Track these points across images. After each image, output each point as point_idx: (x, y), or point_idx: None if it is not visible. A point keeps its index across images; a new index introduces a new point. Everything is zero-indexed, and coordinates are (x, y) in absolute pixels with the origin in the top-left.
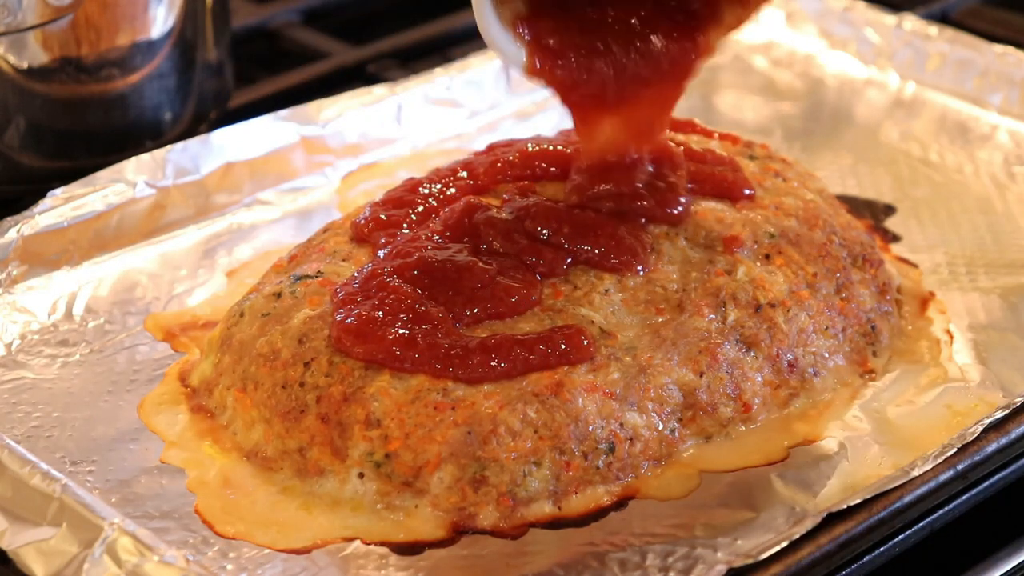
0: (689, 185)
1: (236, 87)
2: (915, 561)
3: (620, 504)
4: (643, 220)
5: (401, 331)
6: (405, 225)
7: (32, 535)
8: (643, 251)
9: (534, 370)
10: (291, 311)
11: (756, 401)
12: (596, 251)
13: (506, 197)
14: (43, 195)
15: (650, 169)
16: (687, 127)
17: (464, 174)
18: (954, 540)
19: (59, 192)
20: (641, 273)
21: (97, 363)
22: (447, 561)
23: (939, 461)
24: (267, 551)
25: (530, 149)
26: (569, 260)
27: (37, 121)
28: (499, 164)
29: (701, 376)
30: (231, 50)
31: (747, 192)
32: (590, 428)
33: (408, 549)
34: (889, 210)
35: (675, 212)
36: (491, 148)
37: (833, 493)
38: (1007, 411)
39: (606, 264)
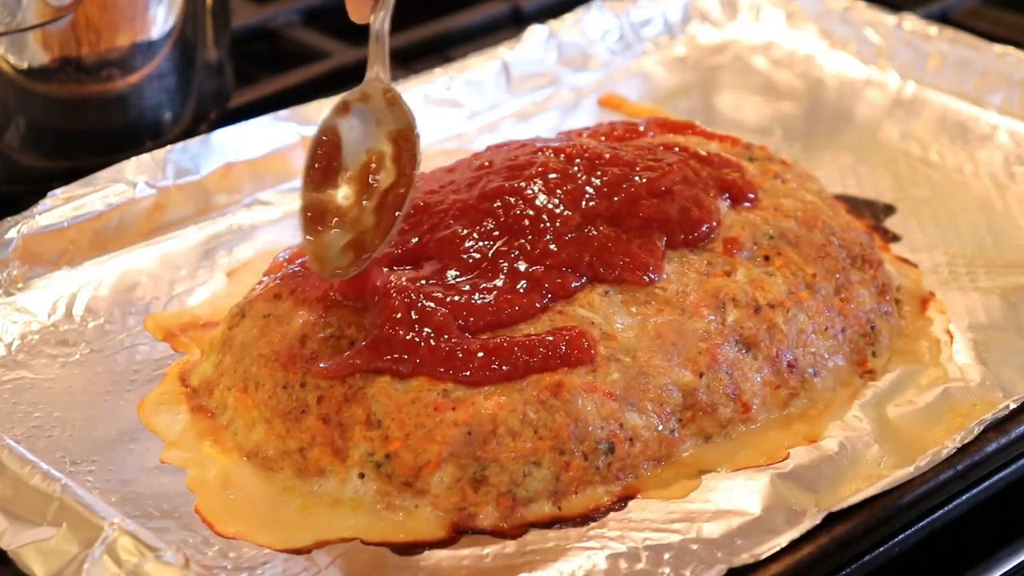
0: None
1: (236, 87)
2: (915, 561)
3: (620, 504)
4: (664, 237)
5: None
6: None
7: (32, 535)
8: (657, 263)
9: (535, 372)
10: (292, 312)
11: (756, 401)
12: (611, 273)
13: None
14: (43, 195)
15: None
16: (687, 129)
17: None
18: (954, 540)
19: (59, 192)
20: (657, 279)
21: (97, 363)
22: (447, 561)
23: (939, 461)
24: (267, 551)
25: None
26: (584, 280)
27: (37, 121)
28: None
29: (701, 377)
30: (231, 50)
31: (751, 196)
32: (590, 428)
33: (408, 549)
34: (889, 210)
35: (693, 236)
36: (490, 149)
37: (833, 493)
38: (1007, 411)
39: (619, 280)
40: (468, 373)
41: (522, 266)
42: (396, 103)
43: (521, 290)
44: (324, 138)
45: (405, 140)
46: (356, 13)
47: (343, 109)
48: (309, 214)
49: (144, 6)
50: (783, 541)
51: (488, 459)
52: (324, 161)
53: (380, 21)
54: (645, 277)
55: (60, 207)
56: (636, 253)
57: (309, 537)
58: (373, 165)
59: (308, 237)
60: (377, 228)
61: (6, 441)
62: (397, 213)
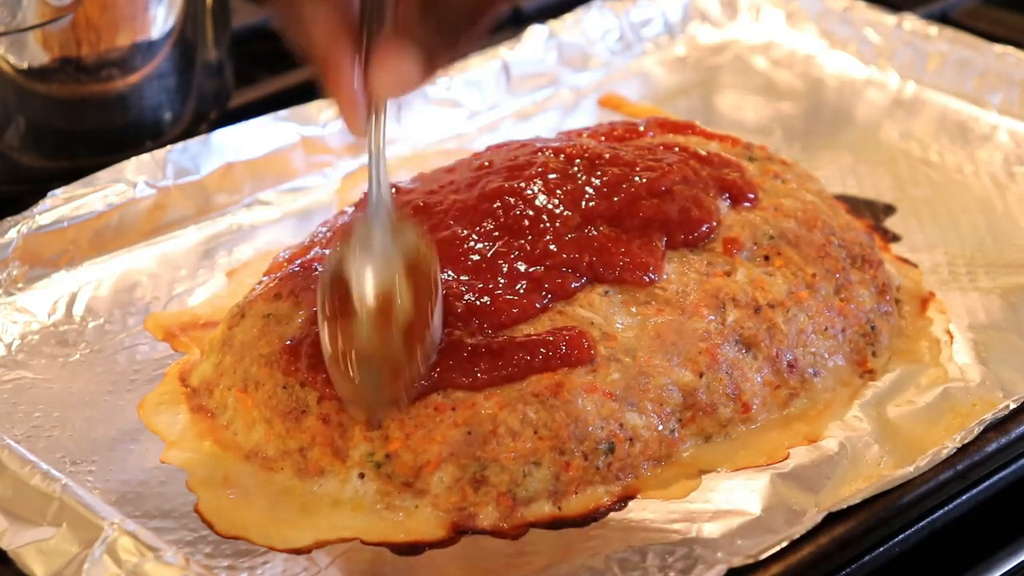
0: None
1: (236, 87)
2: (915, 561)
3: (620, 504)
4: (664, 238)
5: None
6: None
7: (32, 535)
8: (656, 263)
9: (535, 372)
10: (292, 312)
11: (756, 401)
12: (611, 273)
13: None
14: (43, 195)
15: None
16: (687, 129)
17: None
18: (954, 540)
19: (59, 192)
20: (657, 280)
21: (97, 363)
22: (447, 561)
23: (939, 461)
24: (267, 551)
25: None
26: (584, 280)
27: (37, 121)
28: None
29: (701, 377)
30: (231, 50)
31: (751, 196)
32: (590, 428)
33: (408, 549)
34: (889, 210)
35: (693, 236)
36: (490, 149)
37: (833, 493)
38: (1007, 411)
39: (619, 280)
40: (469, 376)
41: (522, 267)
42: (401, 225)
43: (521, 291)
44: (335, 279)
45: (417, 262)
46: (353, 126)
47: (346, 238)
48: (340, 363)
49: (144, 6)
50: (783, 541)
51: (488, 459)
52: (338, 303)
53: (377, 137)
54: (645, 277)
55: (60, 207)
56: (636, 253)
57: (309, 537)
58: (389, 291)
59: (346, 389)
60: (407, 351)
61: (6, 441)
62: (427, 328)
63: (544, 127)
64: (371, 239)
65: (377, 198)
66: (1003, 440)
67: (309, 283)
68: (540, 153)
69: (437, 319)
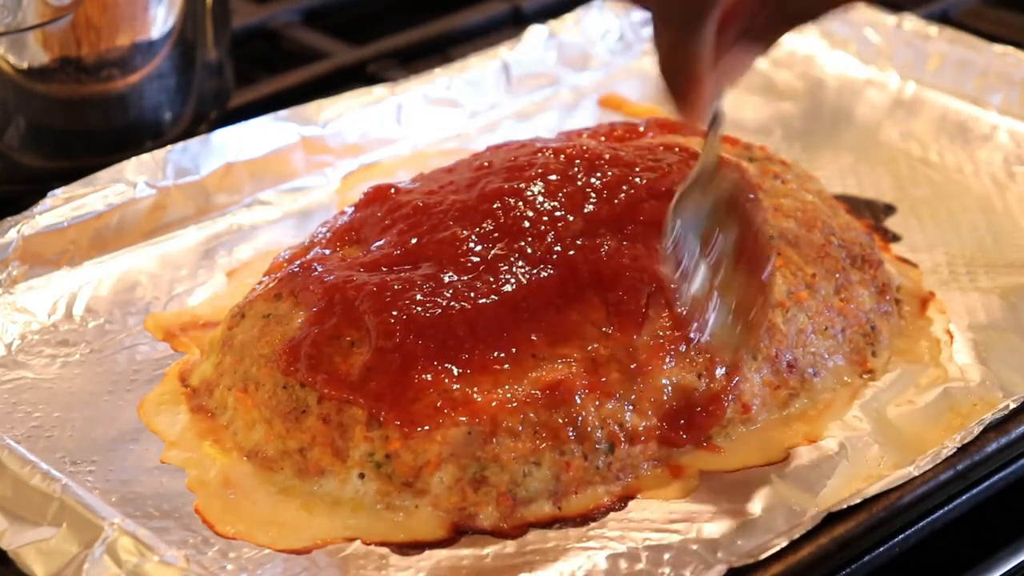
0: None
1: (236, 87)
2: (915, 561)
3: (620, 504)
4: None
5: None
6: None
7: (32, 535)
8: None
9: None
10: (292, 312)
11: (755, 402)
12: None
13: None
14: (43, 195)
15: None
16: (687, 129)
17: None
18: (954, 540)
19: (59, 192)
20: None
21: (97, 363)
22: (447, 561)
23: (939, 461)
24: (267, 551)
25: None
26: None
27: (37, 121)
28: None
29: (700, 377)
30: (231, 50)
31: (751, 197)
32: (589, 428)
33: (408, 549)
34: (889, 210)
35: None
36: (490, 150)
37: (833, 493)
38: (1007, 411)
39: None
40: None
41: (522, 269)
42: (717, 170)
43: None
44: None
45: (735, 199)
46: (698, 119)
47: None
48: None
49: (144, 6)
50: (783, 541)
51: (488, 459)
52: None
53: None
54: (645, 288)
55: (60, 207)
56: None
57: (309, 537)
58: (716, 236)
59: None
60: (749, 288)
61: (6, 441)
62: (766, 267)
63: (544, 127)
64: (703, 199)
65: (708, 164)
66: (1003, 440)
67: (309, 283)
68: (540, 154)
69: (769, 270)
